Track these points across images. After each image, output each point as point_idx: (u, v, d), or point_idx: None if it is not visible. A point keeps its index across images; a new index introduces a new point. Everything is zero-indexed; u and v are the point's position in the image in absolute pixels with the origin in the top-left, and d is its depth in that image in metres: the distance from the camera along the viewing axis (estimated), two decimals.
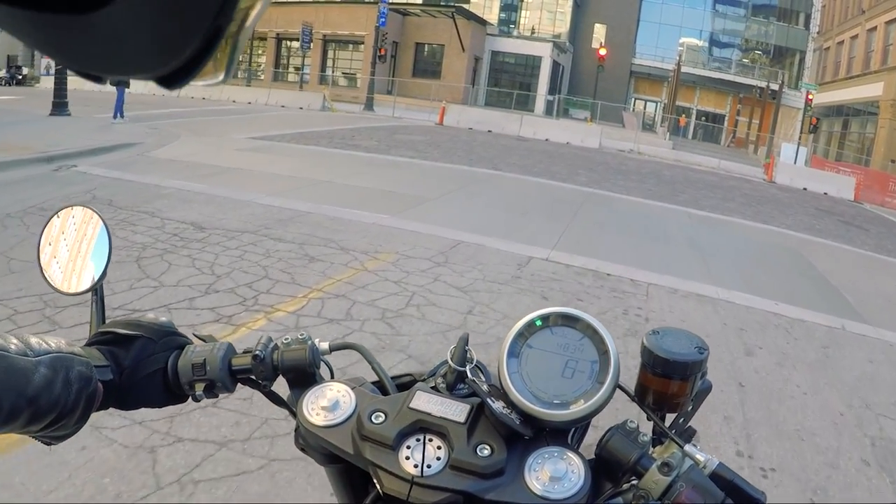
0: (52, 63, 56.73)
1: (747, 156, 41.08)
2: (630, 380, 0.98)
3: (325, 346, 1.08)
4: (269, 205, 8.98)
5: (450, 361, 0.97)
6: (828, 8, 48.24)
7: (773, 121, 44.38)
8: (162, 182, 9.78)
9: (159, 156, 12.47)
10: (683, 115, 51.30)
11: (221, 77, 0.33)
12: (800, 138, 38.31)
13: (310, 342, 1.04)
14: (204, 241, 7.01)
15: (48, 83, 45.30)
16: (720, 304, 6.95)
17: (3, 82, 43.26)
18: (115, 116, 18.68)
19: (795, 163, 31.49)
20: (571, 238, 9.08)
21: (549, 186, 14.01)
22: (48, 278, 1.12)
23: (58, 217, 1.16)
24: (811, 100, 37.27)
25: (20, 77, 49.10)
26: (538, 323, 0.97)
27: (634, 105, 56.92)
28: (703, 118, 56.28)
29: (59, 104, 18.16)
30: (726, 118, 55.62)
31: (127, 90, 19.52)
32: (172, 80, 0.30)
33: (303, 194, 9.87)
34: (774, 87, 47.28)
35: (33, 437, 0.91)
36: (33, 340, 0.87)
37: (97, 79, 0.31)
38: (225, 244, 6.95)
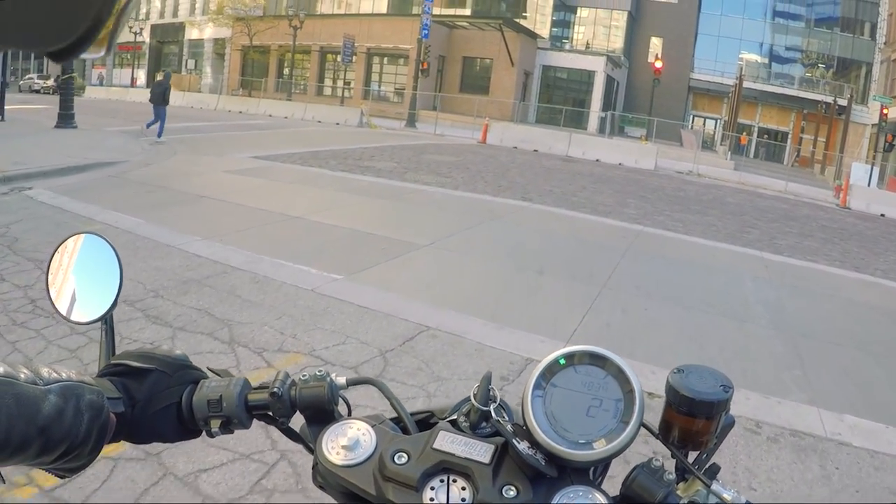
0: (104, 73, 58.09)
1: (814, 176, 38.58)
2: (655, 417, 0.97)
3: (342, 381, 1.06)
4: (196, 254, 7.05)
5: (473, 401, 0.98)
6: (895, 16, 45.16)
7: (841, 138, 41.36)
8: (98, 214, 8.63)
9: (133, 178, 11.73)
10: (745, 134, 48.54)
11: (103, 51, 0.34)
12: (874, 157, 35.18)
13: (328, 379, 1.03)
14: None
15: (94, 93, 47.19)
16: (829, 452, 4.32)
17: (52, 91, 43.29)
18: (153, 125, 18.99)
19: (869, 185, 29.01)
20: (601, 318, 6.32)
21: (587, 224, 11.38)
22: (57, 307, 1.12)
23: (67, 244, 1.16)
24: (886, 114, 34.08)
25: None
26: (562, 362, 0.97)
27: (693, 122, 54.22)
28: (765, 136, 53.51)
29: (65, 116, 18.03)
30: (790, 136, 53.11)
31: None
32: (64, 54, 0.31)
33: (252, 237, 8.08)
34: (841, 101, 44.34)
35: (46, 470, 0.91)
36: (43, 370, 0.87)
37: None
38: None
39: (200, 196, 10.48)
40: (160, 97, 19.47)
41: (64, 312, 1.11)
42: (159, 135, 18.49)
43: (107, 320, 1.11)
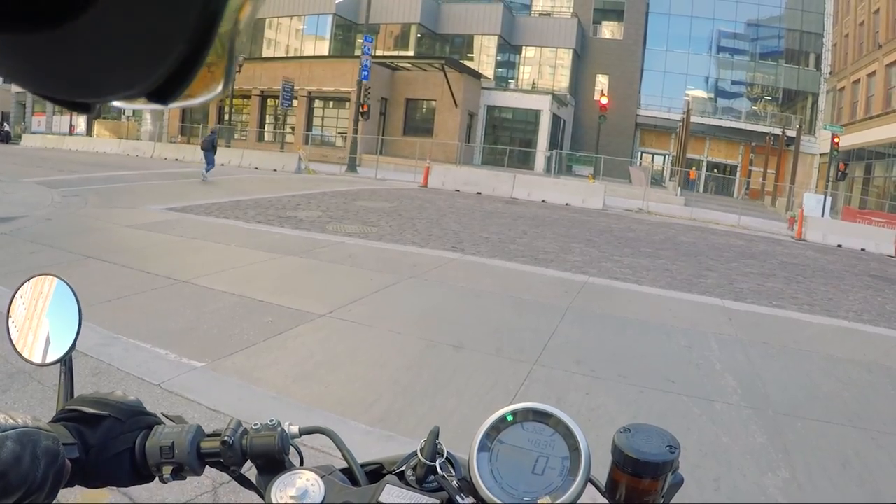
0: (43, 120, 58.35)
1: (765, 208, 38.60)
2: (602, 473, 0.96)
3: (294, 429, 1.07)
4: None
5: (419, 455, 0.98)
6: (839, 46, 46.15)
7: (792, 169, 41.31)
8: None
9: (26, 235, 10.57)
10: (694, 168, 48.37)
11: (220, 88, 0.30)
12: (827, 186, 35.02)
13: (279, 428, 1.04)
14: None
15: (31, 141, 46.16)
16: None
17: None
18: (206, 171, 23.72)
19: (823, 215, 28.77)
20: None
21: (524, 277, 9.98)
22: (17, 348, 1.14)
23: (27, 285, 1.19)
24: (838, 143, 33.89)
25: (3, 133, 52.36)
26: (509, 418, 0.98)
27: (641, 159, 53.99)
28: (714, 170, 53.60)
29: None
30: (738, 169, 53.27)
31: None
32: (164, 94, 0.27)
33: (119, 309, 6.76)
34: (790, 132, 44.49)
35: None
36: None
37: (85, 107, 0.29)
38: None
39: (87, 257, 9.07)
40: (210, 145, 24.74)
41: (24, 353, 1.13)
42: (206, 171, 23.78)
43: (66, 362, 1.13)
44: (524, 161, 43.53)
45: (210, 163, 24.21)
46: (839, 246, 21.62)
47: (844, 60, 44.75)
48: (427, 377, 5.40)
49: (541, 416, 0.97)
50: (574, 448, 0.94)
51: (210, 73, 0.27)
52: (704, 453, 4.49)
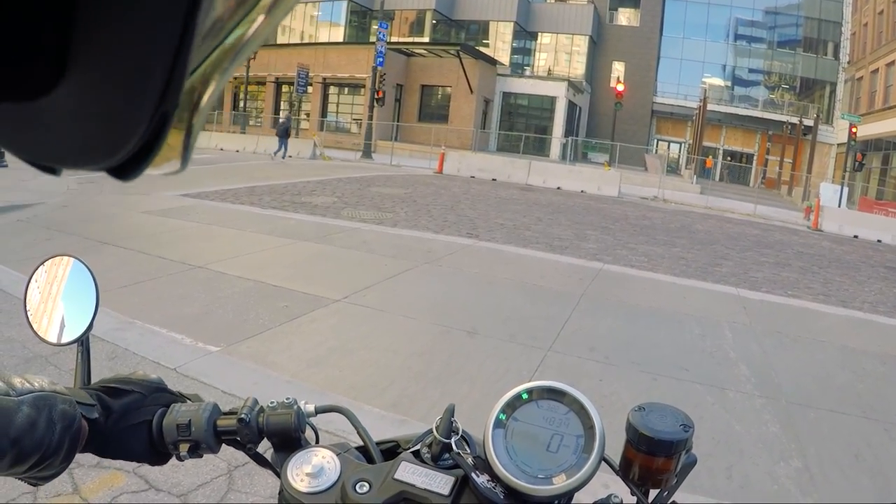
0: None
1: (781, 198, 38.21)
2: (617, 452, 0.98)
3: (310, 408, 1.07)
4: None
5: (435, 433, 0.98)
6: (858, 35, 45.54)
7: (808, 159, 40.96)
8: None
9: (42, 222, 10.51)
10: (710, 157, 48.05)
11: (179, 166, 0.32)
12: (843, 177, 34.74)
13: (295, 406, 1.05)
14: None
15: None
16: None
17: None
18: (279, 154, 28.15)
19: (840, 205, 28.49)
20: None
21: (538, 264, 9.98)
22: (35, 328, 1.14)
23: (44, 266, 1.19)
24: (855, 133, 33.53)
25: None
26: (524, 396, 0.98)
27: (657, 147, 53.64)
28: (729, 158, 53.13)
29: None
30: (755, 157, 52.72)
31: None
32: (125, 170, 0.29)
33: (135, 294, 6.73)
34: (807, 122, 44.05)
35: (18, 479, 0.91)
36: (16, 380, 0.89)
37: (50, 170, 0.31)
38: None
39: (103, 243, 9.07)
40: (284, 131, 28.62)
41: (42, 334, 1.12)
42: (283, 157, 28.03)
43: (83, 342, 1.12)
44: (539, 148, 43.38)
45: (282, 146, 27.94)
46: (855, 237, 21.43)
47: (863, 50, 44.22)
48: (440, 363, 5.42)
49: (555, 395, 0.97)
50: (589, 426, 0.94)
51: (169, 152, 0.29)
52: (717, 441, 4.49)
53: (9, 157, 17.23)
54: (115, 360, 4.97)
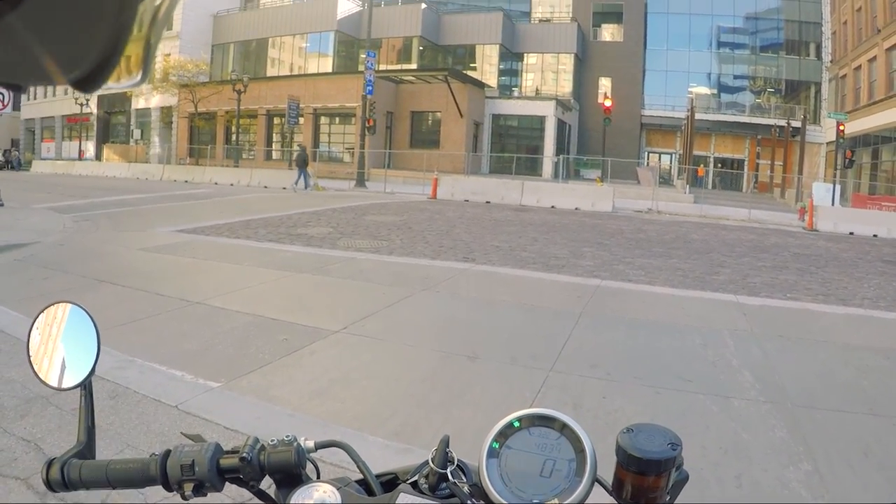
0: (53, 146, 59.50)
1: (774, 200, 38.33)
2: (609, 472, 1.00)
3: (310, 444, 1.10)
4: None
5: (431, 464, 1.02)
6: (838, 34, 45.99)
7: (799, 160, 41.19)
8: None
9: (38, 261, 10.67)
10: (701, 165, 48.20)
11: (139, 77, 0.33)
12: (835, 175, 34.89)
13: (295, 443, 1.07)
14: None
15: (41, 167, 46.66)
16: None
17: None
18: (300, 183, 29.39)
19: (833, 203, 28.85)
20: None
21: (536, 284, 9.99)
22: (38, 373, 1.18)
23: (46, 312, 1.22)
24: (843, 131, 33.77)
25: (13, 160, 53.53)
26: (516, 424, 1.01)
27: (648, 159, 53.86)
28: (720, 165, 53.43)
29: None
30: (746, 163, 53.07)
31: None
32: (87, 83, 0.30)
33: (134, 332, 6.63)
34: (795, 123, 44.33)
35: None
36: None
37: (17, 88, 0.31)
38: None
39: (100, 281, 9.11)
40: (302, 161, 29.99)
41: (45, 378, 1.17)
42: (306, 187, 29.50)
43: (85, 386, 1.17)
44: (532, 168, 43.52)
45: (304, 176, 29.35)
46: (851, 233, 21.57)
47: (844, 48, 44.61)
48: (442, 389, 5.40)
49: (546, 421, 1.00)
50: (580, 450, 0.96)
51: (130, 63, 0.29)
52: (725, 450, 4.47)
53: (4, 196, 17.32)
54: (117, 399, 4.96)
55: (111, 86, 0.31)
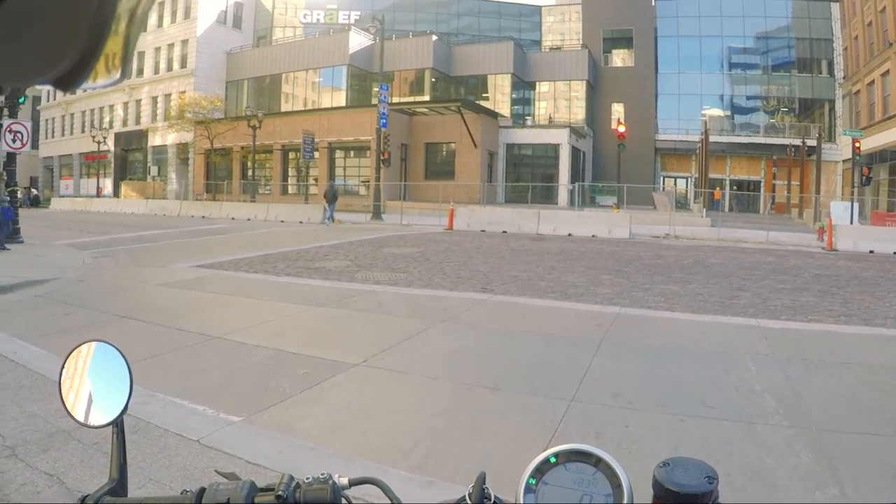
0: (71, 184, 60.30)
1: (792, 221, 38.15)
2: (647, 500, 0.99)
3: (344, 481, 1.11)
4: None
5: (468, 500, 1.02)
6: (850, 50, 45.97)
7: (815, 179, 40.99)
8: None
9: (59, 297, 10.79)
10: (717, 188, 48.06)
11: (118, 76, 0.34)
12: (852, 192, 34.65)
13: (330, 481, 1.09)
14: None
15: (59, 204, 47.33)
16: None
17: (18, 203, 45.48)
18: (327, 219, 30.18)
19: (851, 222, 28.57)
20: None
21: (555, 313, 9.96)
22: (70, 411, 1.22)
23: (78, 351, 1.26)
24: (859, 148, 33.55)
25: (32, 198, 54.07)
26: (552, 460, 1.01)
27: (664, 184, 53.78)
28: (736, 187, 53.24)
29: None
30: (762, 184, 52.77)
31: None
32: (68, 81, 0.31)
33: (155, 367, 6.19)
34: (810, 142, 44.24)
35: None
36: None
37: None
38: None
39: (120, 317, 9.20)
40: (331, 196, 30.93)
41: (78, 416, 1.20)
42: (323, 220, 30.40)
43: (118, 424, 1.21)
44: (547, 196, 43.55)
45: (330, 210, 30.31)
46: (871, 252, 21.36)
47: (857, 63, 44.56)
48: (464, 421, 5.39)
49: (582, 456, 1.01)
50: (616, 485, 0.97)
51: (108, 62, 0.30)
52: (750, 477, 4.43)
53: (25, 233, 17.54)
54: (139, 434, 4.96)
55: (90, 84, 0.31)
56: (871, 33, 41.09)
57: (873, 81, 40.85)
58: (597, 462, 1.00)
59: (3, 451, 4.54)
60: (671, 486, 0.95)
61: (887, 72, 38.26)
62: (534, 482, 0.99)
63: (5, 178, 18.18)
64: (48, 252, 16.81)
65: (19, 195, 19.17)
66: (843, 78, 48.52)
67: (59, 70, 0.29)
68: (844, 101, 48.56)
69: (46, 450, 4.60)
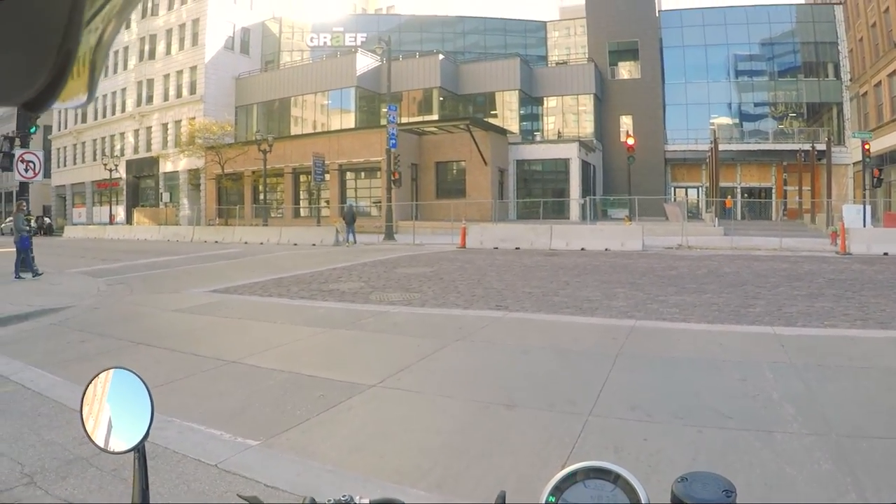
0: (84, 212, 60.95)
1: (805, 226, 37.95)
2: None
3: (365, 502, 1.13)
4: None
5: None
6: (855, 52, 45.91)
7: (826, 183, 40.81)
8: (17, 373, 7.71)
9: (75, 324, 10.88)
10: (729, 197, 47.91)
11: (85, 98, 0.35)
12: (864, 195, 34.43)
13: (352, 503, 1.12)
14: None
15: (73, 232, 47.77)
16: None
17: (32, 232, 46.31)
18: (350, 238, 31.04)
19: (864, 224, 28.39)
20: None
21: (570, 328, 9.95)
22: (92, 437, 1.24)
23: (99, 378, 1.29)
24: (869, 150, 33.39)
25: (45, 226, 55.04)
26: (571, 477, 1.03)
27: (675, 194, 53.66)
28: (748, 195, 53.06)
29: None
30: (773, 190, 52.62)
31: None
32: (36, 105, 0.32)
33: (172, 393, 6.42)
34: (820, 146, 44.05)
35: None
36: None
37: None
38: None
39: (136, 343, 9.26)
40: (350, 218, 31.76)
41: (99, 442, 1.22)
42: (348, 239, 31.20)
43: (139, 450, 1.23)
44: (559, 211, 43.56)
45: (350, 231, 30.96)
46: (885, 254, 21.28)
47: (863, 65, 44.50)
48: (481, 439, 5.38)
49: (601, 473, 1.03)
50: (634, 501, 0.98)
51: (75, 86, 0.31)
52: (770, 487, 4.40)
53: (39, 262, 17.65)
54: (157, 459, 4.96)
55: (59, 105, 0.32)
56: (876, 34, 41.09)
57: (880, 82, 40.79)
58: (615, 479, 1.01)
59: (22, 479, 4.56)
60: (689, 501, 0.96)
61: (893, 72, 38.23)
62: (553, 500, 1.01)
63: (25, 208, 18.29)
64: (63, 280, 16.98)
65: (32, 224, 19.23)
66: (850, 80, 48.45)
67: (28, 93, 0.30)
68: (852, 104, 48.44)
69: (65, 477, 4.62)
